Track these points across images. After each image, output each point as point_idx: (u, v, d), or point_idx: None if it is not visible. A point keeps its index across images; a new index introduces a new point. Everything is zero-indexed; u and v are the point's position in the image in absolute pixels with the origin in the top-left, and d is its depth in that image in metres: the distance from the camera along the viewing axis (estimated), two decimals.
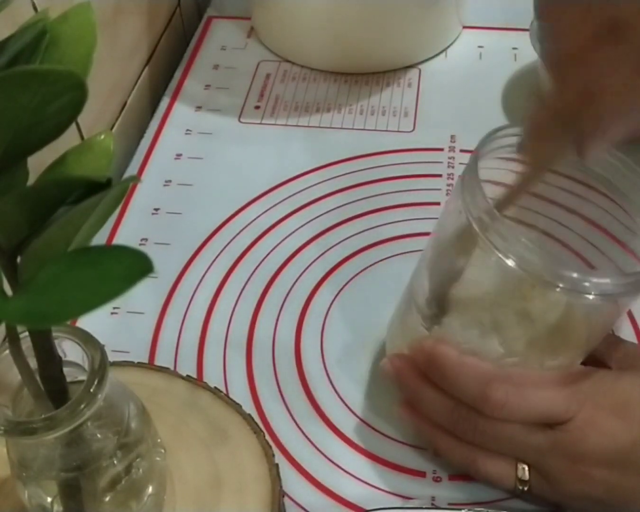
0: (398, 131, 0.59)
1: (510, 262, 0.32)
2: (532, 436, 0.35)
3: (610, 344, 0.39)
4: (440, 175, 0.55)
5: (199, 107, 0.62)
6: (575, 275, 0.32)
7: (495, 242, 0.33)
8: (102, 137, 0.26)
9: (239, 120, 0.61)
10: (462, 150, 0.57)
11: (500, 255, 0.33)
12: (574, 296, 0.33)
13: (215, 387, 0.41)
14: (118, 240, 0.52)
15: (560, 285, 0.32)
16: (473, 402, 0.36)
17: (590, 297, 0.32)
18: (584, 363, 0.37)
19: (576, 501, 0.36)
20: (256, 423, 0.39)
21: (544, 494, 0.37)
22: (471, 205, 0.33)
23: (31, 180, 0.24)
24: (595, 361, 0.38)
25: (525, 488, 0.36)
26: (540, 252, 0.32)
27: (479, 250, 0.34)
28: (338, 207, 0.53)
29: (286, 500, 0.39)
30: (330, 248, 0.51)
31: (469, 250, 0.36)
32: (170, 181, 0.56)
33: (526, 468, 0.36)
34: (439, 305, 0.38)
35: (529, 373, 0.35)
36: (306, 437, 0.41)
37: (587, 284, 0.32)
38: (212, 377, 0.44)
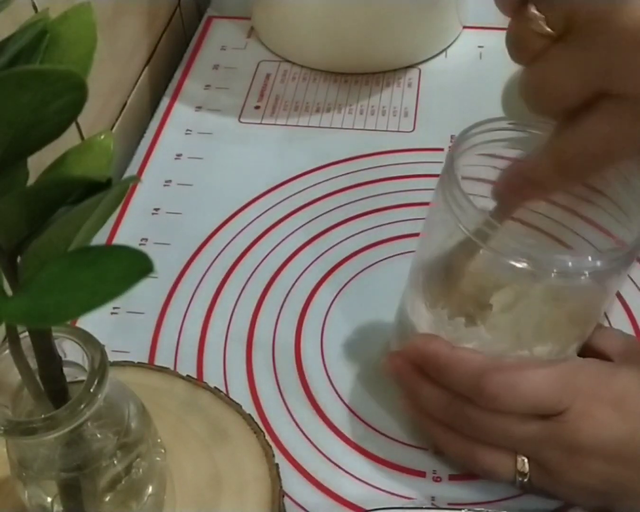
0: (398, 131, 0.59)
1: (498, 253, 0.33)
2: (526, 427, 0.35)
3: (613, 339, 0.39)
4: (440, 175, 0.55)
5: (199, 107, 0.62)
6: (564, 258, 0.32)
7: (481, 234, 0.33)
8: (102, 137, 0.26)
9: (239, 120, 0.61)
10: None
11: (485, 246, 0.33)
12: (562, 279, 0.33)
13: (215, 387, 0.41)
14: (118, 240, 0.52)
15: (554, 270, 0.32)
16: (469, 394, 0.36)
17: (582, 278, 0.32)
18: (584, 356, 0.38)
19: (576, 492, 0.36)
20: (256, 423, 0.39)
21: (545, 486, 0.37)
22: (454, 205, 0.34)
23: (31, 180, 0.24)
24: (597, 355, 0.38)
25: (525, 480, 0.36)
26: (525, 241, 0.32)
27: (465, 243, 0.34)
28: (338, 207, 0.53)
29: (286, 500, 0.39)
30: (331, 248, 0.51)
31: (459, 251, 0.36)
32: (170, 181, 0.56)
33: (525, 460, 0.36)
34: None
35: (523, 364, 0.36)
36: (306, 437, 0.41)
37: (574, 265, 0.32)
38: (212, 377, 0.44)
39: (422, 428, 0.40)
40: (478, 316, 0.37)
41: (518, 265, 0.32)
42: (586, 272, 0.32)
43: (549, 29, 0.31)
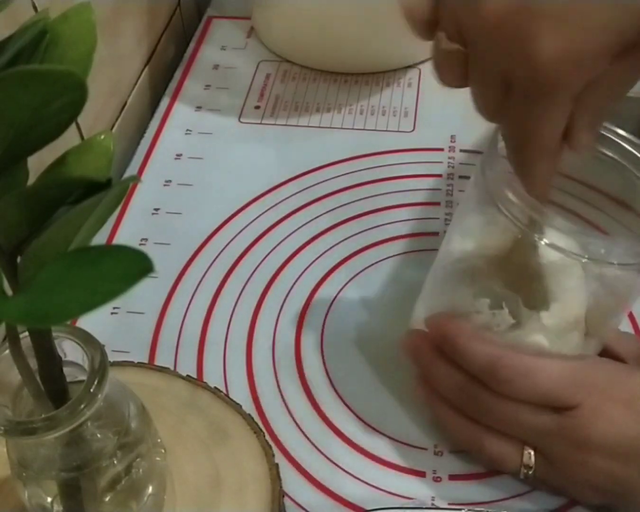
0: (398, 131, 0.59)
1: (533, 236, 0.33)
2: (537, 418, 0.35)
3: (629, 343, 0.39)
4: (440, 175, 0.55)
5: (199, 107, 0.62)
6: (601, 244, 0.31)
7: (517, 216, 0.33)
8: (102, 137, 0.26)
9: (239, 120, 0.61)
10: (462, 150, 0.57)
11: (522, 227, 0.33)
12: (599, 266, 0.33)
13: (215, 387, 0.41)
14: (118, 240, 0.52)
15: (586, 256, 0.32)
16: (482, 376, 0.36)
17: (615, 268, 0.32)
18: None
19: (580, 488, 0.36)
20: (256, 423, 0.39)
21: (549, 480, 0.37)
22: (490, 178, 0.34)
23: (31, 180, 0.24)
24: (613, 359, 0.38)
25: (530, 472, 0.36)
26: (565, 225, 0.32)
27: (500, 223, 0.34)
28: (338, 207, 0.53)
29: (286, 500, 0.39)
30: (331, 248, 0.51)
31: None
32: (170, 181, 0.56)
33: (532, 453, 0.36)
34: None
35: (542, 354, 0.36)
36: (306, 437, 0.41)
37: (612, 253, 0.31)
38: (212, 377, 0.44)
39: (433, 410, 0.40)
40: (505, 299, 0.37)
41: (554, 251, 0.32)
42: (615, 261, 0.32)
43: (453, 45, 0.32)
